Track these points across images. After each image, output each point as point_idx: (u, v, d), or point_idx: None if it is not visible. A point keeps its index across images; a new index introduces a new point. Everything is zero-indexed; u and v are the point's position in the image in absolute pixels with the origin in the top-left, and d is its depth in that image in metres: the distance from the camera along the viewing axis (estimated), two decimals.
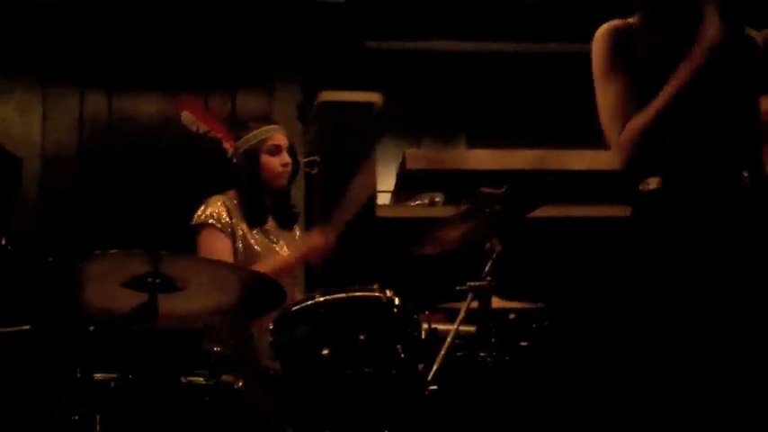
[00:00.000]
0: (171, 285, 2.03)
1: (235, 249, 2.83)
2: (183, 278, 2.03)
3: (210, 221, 2.83)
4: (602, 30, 1.97)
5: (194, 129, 2.97)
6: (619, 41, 1.94)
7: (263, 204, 2.93)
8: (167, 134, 4.71)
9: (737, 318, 1.85)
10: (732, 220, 1.90)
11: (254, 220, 2.91)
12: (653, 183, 1.94)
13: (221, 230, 2.83)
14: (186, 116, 3.00)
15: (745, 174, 1.93)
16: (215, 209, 2.85)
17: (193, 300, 2.10)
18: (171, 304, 2.06)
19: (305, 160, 3.07)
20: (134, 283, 2.01)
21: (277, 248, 2.94)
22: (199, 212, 2.86)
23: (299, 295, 2.87)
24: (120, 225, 4.48)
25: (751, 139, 1.97)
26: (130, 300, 2.01)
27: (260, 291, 2.13)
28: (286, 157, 2.93)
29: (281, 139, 2.95)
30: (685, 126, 1.90)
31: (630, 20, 2.00)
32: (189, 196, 2.97)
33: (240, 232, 2.87)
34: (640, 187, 1.96)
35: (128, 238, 3.22)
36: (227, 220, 2.85)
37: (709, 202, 1.91)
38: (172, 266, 2.00)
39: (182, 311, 2.15)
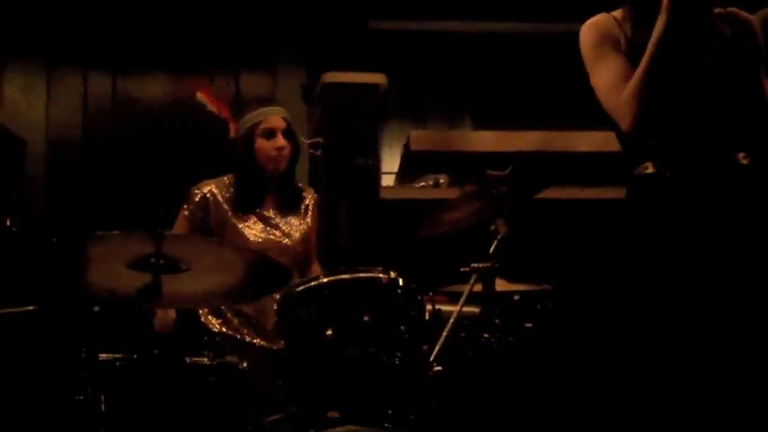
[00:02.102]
0: (175, 266, 2.03)
1: (215, 236, 2.81)
2: (187, 259, 2.03)
3: (185, 205, 2.86)
4: (589, 22, 2.06)
5: (207, 109, 2.98)
6: (606, 30, 2.03)
7: (257, 190, 2.90)
8: (172, 115, 4.70)
9: (732, 303, 1.87)
10: (727, 201, 1.91)
11: (247, 206, 2.88)
12: (648, 167, 1.96)
13: (187, 218, 2.84)
14: (200, 96, 3.01)
15: (743, 154, 1.93)
16: (196, 194, 2.85)
17: (198, 281, 2.10)
18: (175, 285, 2.06)
19: (309, 142, 3.05)
20: (138, 264, 2.01)
21: (278, 235, 2.91)
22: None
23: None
24: (125, 206, 4.48)
25: (751, 120, 1.97)
26: (134, 280, 2.01)
27: (264, 272, 2.13)
28: (280, 141, 2.87)
29: (276, 121, 2.89)
30: (676, 97, 1.93)
31: (615, 13, 2.07)
32: (193, 178, 2.96)
33: (227, 219, 2.85)
34: (636, 171, 1.98)
35: (132, 220, 3.22)
36: (201, 208, 2.83)
37: (703, 184, 1.92)
38: (175, 247, 2.00)
39: (186, 292, 2.15)
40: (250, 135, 2.88)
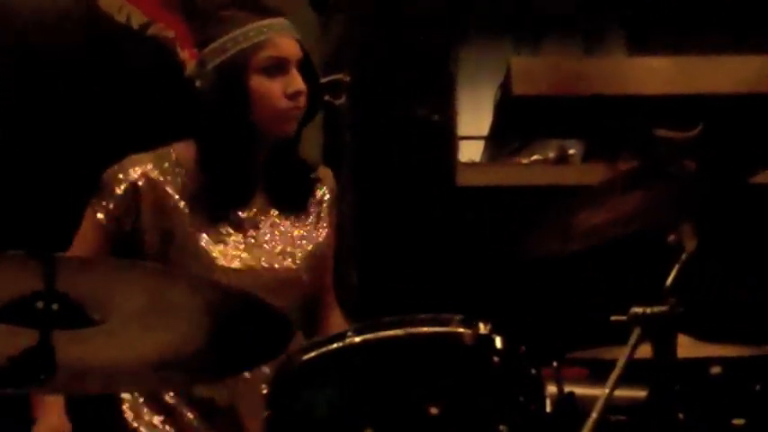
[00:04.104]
0: (79, 316, 2.03)
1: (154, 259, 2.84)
2: (102, 302, 2.04)
3: (96, 202, 2.90)
4: None
5: (121, 18, 2.96)
6: None
7: (244, 173, 2.95)
8: (80, 40, 4.73)
9: None
10: None
11: (221, 204, 2.93)
12: None
13: (101, 226, 2.89)
14: None
15: None
16: (117, 181, 2.89)
17: (122, 343, 2.11)
18: (81, 350, 2.07)
19: (324, 81, 3.05)
20: (14, 313, 2.00)
21: (270, 255, 2.94)
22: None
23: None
24: None
25: None
26: (8, 341, 2.00)
27: (245, 324, 2.12)
28: (298, 81, 2.90)
29: (287, 46, 2.92)
30: None
31: None
32: (116, 153, 2.97)
33: (178, 225, 2.90)
34: None
35: (5, 232, 3.24)
36: (127, 206, 2.88)
37: None
38: (79, 281, 2.01)
39: (100, 364, 2.16)
40: (238, 70, 2.90)
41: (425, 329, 2.40)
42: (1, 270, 2.00)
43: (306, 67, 2.93)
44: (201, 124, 2.93)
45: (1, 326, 2.02)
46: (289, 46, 2.91)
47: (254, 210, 2.96)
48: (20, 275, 1.97)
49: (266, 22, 2.91)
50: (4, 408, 2.77)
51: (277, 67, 2.89)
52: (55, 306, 1.99)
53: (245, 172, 2.94)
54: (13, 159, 4.64)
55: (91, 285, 2.03)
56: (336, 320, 3.10)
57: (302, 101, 2.90)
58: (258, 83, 2.89)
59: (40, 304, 1.99)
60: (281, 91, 2.88)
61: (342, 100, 3.74)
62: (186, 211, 2.90)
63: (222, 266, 2.87)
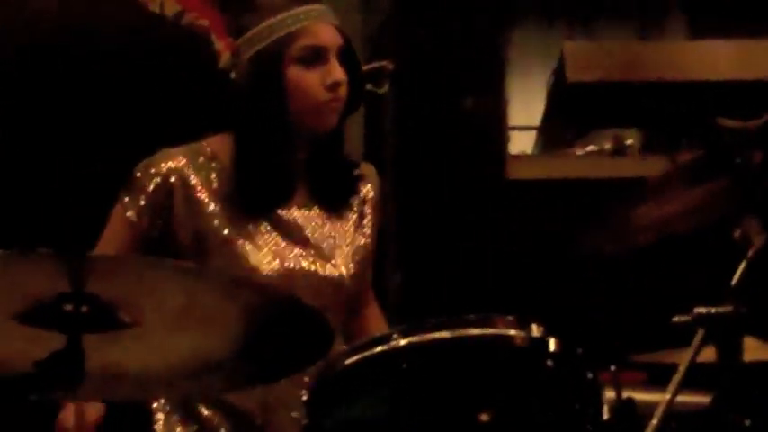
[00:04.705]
0: (109, 318, 2.03)
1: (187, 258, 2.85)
2: (133, 304, 2.04)
3: (125, 198, 2.91)
4: None
5: (155, 7, 2.97)
6: None
7: (283, 170, 2.95)
8: (105, 25, 4.74)
9: None
10: None
11: (259, 202, 2.93)
12: None
13: (130, 223, 2.90)
14: None
15: None
16: (150, 176, 2.90)
17: (153, 347, 2.12)
18: (111, 355, 2.08)
19: (367, 68, 3.04)
20: (38, 315, 2.02)
21: (311, 256, 2.94)
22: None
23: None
24: (17, 203, 4.53)
25: None
26: (32, 346, 2.01)
27: (284, 328, 2.12)
28: (337, 71, 2.90)
29: (326, 33, 2.92)
30: None
31: None
32: (146, 146, 2.97)
33: (214, 225, 2.90)
34: None
35: (30, 230, 3.25)
36: (159, 202, 2.89)
37: None
38: (109, 281, 2.01)
39: (131, 370, 2.17)
40: (273, 61, 2.90)
41: (475, 331, 2.39)
42: (27, 270, 2.01)
43: (346, 56, 2.92)
44: (237, 118, 2.94)
45: (27, 329, 2.03)
46: (327, 33, 2.90)
47: (295, 209, 2.96)
48: (47, 276, 1.98)
49: (303, 9, 2.90)
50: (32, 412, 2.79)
51: (315, 57, 2.89)
52: (84, 308, 2.00)
53: (284, 168, 2.93)
54: (40, 153, 4.67)
55: (122, 286, 2.03)
56: (376, 319, 3.12)
57: (342, 92, 2.90)
58: (295, 74, 2.89)
59: (68, 306, 2.00)
60: (319, 82, 2.88)
61: (385, 88, 3.75)
62: (220, 210, 2.90)
63: (259, 270, 2.87)
